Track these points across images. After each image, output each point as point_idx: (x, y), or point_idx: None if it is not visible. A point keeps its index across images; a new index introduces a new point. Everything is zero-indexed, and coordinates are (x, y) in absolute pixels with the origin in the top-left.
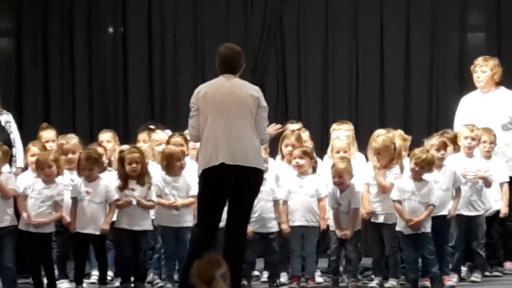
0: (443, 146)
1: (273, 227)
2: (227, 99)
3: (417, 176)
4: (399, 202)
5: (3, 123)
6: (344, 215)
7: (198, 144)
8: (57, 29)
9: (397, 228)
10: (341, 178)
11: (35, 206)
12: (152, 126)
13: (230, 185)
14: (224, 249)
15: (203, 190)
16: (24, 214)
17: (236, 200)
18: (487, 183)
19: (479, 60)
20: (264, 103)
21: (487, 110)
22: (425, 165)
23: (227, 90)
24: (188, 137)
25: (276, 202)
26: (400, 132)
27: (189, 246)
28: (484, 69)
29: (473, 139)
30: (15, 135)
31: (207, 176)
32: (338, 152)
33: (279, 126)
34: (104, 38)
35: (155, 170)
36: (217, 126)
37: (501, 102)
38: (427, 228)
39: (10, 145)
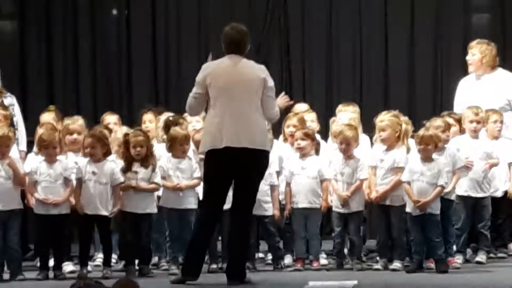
0: (448, 127)
1: (268, 210)
2: (233, 80)
3: (425, 156)
4: (409, 183)
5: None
6: (345, 185)
7: (198, 127)
8: (61, 12)
9: (407, 209)
10: (349, 146)
11: (48, 189)
12: (152, 108)
13: (235, 168)
14: (229, 231)
15: (208, 172)
16: (39, 197)
17: (242, 182)
18: (495, 164)
19: (473, 43)
20: (271, 83)
21: (482, 93)
22: (429, 142)
23: (233, 71)
24: (187, 113)
25: (272, 187)
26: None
27: (193, 229)
28: (474, 51)
29: (478, 122)
30: (18, 118)
31: (212, 158)
32: (335, 136)
33: (287, 98)
34: (108, 21)
35: (161, 152)
36: (223, 107)
37: (496, 85)
38: (435, 209)
39: (13, 128)
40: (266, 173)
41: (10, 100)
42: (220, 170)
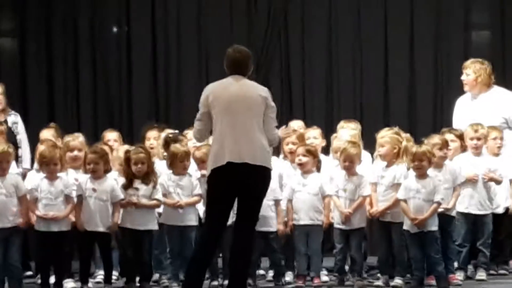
0: (445, 144)
1: (273, 226)
2: (235, 99)
3: (419, 173)
4: (405, 201)
5: (10, 124)
6: (348, 202)
7: (198, 144)
8: (61, 29)
9: (404, 227)
10: (352, 163)
11: (49, 206)
12: (155, 125)
13: (238, 184)
14: (232, 247)
15: (211, 190)
16: (39, 214)
17: (245, 199)
18: (497, 181)
19: (467, 62)
20: (273, 104)
21: (479, 112)
22: (422, 158)
23: (236, 90)
24: (193, 138)
25: (276, 202)
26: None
27: (195, 246)
28: (468, 72)
29: (478, 139)
30: (21, 137)
31: (215, 176)
32: (336, 152)
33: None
34: (108, 38)
35: (162, 169)
36: (225, 126)
37: (493, 103)
38: (433, 226)
39: (16, 146)
40: (269, 189)
41: (14, 118)
42: (223, 186)
